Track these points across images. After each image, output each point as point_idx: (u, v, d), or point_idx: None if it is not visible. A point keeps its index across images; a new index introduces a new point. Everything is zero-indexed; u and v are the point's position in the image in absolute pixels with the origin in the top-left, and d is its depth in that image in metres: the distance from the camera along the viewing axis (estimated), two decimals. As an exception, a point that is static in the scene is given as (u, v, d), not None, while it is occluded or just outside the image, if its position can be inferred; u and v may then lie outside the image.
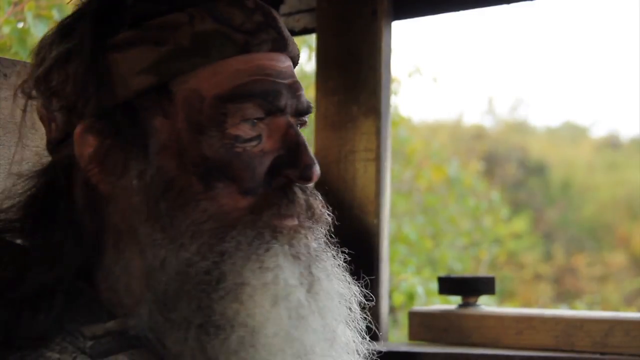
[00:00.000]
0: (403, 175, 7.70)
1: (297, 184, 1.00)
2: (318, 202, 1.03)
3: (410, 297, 5.58)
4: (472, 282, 2.06)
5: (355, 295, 1.06)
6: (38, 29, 2.74)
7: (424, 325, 2.05)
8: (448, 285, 2.08)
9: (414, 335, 2.07)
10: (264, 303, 0.94)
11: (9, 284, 0.95)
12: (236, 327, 0.93)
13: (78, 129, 0.98)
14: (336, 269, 1.04)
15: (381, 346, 1.14)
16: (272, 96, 0.99)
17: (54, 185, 1.01)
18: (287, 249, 0.97)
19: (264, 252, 0.96)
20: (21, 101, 1.08)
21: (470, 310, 2.02)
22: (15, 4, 2.89)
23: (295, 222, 0.99)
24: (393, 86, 6.34)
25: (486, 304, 2.15)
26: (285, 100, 1.00)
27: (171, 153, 0.97)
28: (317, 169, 1.00)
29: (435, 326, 2.04)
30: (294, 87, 1.02)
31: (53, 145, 1.04)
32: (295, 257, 0.98)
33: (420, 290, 5.61)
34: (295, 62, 1.07)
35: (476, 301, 2.06)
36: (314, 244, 1.01)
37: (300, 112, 1.03)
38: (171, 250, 0.95)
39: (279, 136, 1.00)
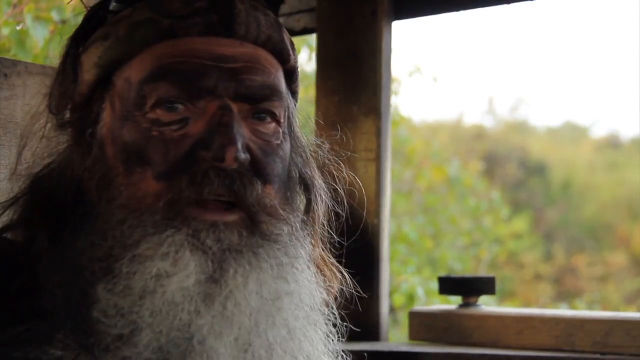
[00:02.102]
0: (403, 175, 7.70)
1: (217, 168, 0.93)
2: (254, 191, 0.95)
3: (410, 297, 5.58)
4: (472, 282, 2.06)
5: (313, 295, 1.00)
6: (37, 31, 2.74)
7: (424, 325, 2.05)
8: (448, 285, 2.08)
9: (414, 335, 2.07)
10: (155, 297, 0.90)
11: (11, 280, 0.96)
12: (123, 320, 0.90)
13: (56, 124, 1.06)
14: (276, 266, 0.95)
15: (381, 346, 1.14)
16: (191, 76, 0.95)
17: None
18: (190, 240, 0.91)
19: (162, 241, 0.91)
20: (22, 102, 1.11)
21: (470, 310, 2.02)
22: (15, 6, 2.89)
23: (210, 211, 0.93)
24: (393, 86, 6.33)
25: (486, 304, 2.15)
26: (213, 82, 0.96)
27: (109, 142, 0.99)
28: (234, 149, 0.93)
29: (435, 326, 2.04)
30: (235, 70, 0.97)
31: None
32: (198, 248, 0.92)
33: (420, 291, 5.61)
34: (271, 48, 1.03)
35: (476, 301, 2.06)
36: (235, 237, 0.93)
37: (247, 97, 0.98)
38: (85, 235, 0.95)
39: (207, 119, 0.96)
